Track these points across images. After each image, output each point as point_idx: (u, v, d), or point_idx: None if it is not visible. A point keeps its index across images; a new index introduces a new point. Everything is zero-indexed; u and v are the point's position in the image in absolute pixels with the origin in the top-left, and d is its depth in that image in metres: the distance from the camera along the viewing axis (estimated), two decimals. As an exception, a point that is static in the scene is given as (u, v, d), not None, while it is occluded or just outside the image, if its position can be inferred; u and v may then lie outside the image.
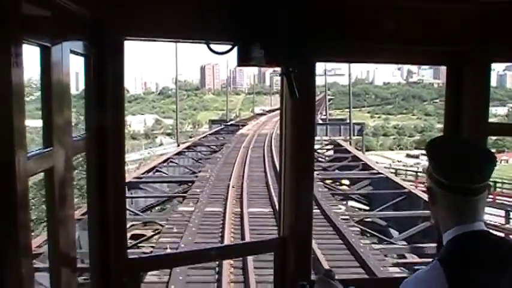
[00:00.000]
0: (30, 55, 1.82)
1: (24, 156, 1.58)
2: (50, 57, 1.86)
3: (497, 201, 25.57)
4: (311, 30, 2.48)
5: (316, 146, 40.01)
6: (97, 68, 2.34)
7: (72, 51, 2.08)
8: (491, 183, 1.92)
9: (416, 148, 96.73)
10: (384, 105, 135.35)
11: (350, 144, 44.52)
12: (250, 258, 10.69)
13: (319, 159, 35.35)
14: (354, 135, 51.22)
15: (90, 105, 2.37)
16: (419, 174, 40.00)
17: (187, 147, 36.87)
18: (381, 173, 24.68)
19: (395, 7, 2.59)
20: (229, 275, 10.54)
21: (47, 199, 1.97)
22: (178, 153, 33.32)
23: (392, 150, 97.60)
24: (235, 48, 2.48)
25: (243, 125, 62.19)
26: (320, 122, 54.76)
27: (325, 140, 46.56)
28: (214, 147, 38.71)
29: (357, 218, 17.44)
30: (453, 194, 1.85)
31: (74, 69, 2.15)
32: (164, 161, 29.28)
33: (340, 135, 49.05)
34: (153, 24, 2.45)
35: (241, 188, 20.36)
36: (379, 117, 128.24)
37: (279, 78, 2.78)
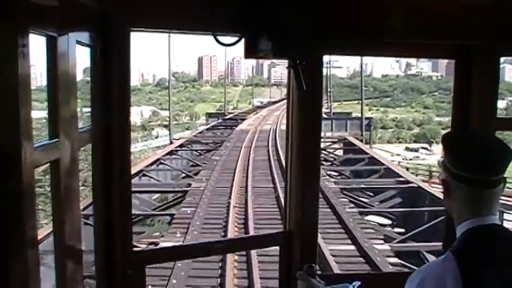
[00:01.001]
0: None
1: (31, 146, 1.57)
2: (57, 48, 1.84)
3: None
4: (318, 22, 2.47)
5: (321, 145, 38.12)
6: (103, 59, 2.32)
7: (78, 42, 2.06)
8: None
9: (415, 141, 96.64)
10: (382, 98, 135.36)
11: (363, 142, 39.76)
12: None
13: (328, 159, 30.82)
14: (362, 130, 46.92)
15: (96, 96, 2.35)
16: (433, 171, 33.50)
17: (181, 145, 32.62)
18: (411, 182, 19.80)
19: (404, 1, 2.57)
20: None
21: (52, 190, 1.95)
22: (170, 153, 29.15)
23: (391, 143, 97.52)
24: (242, 40, 2.47)
25: (243, 119, 56.69)
26: (324, 116, 47.39)
27: (329, 138, 40.88)
28: (211, 145, 34.66)
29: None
30: (470, 187, 1.85)
31: (80, 60, 2.13)
32: (153, 163, 25.04)
33: (346, 131, 45.07)
34: (160, 15, 2.43)
35: (246, 209, 15.50)
36: (377, 109, 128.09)
37: (277, 70, 2.76)
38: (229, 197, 16.77)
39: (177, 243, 10.65)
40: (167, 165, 26.06)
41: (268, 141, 32.75)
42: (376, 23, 2.58)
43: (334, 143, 39.87)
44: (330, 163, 29.06)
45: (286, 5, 2.42)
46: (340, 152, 35.89)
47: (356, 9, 2.57)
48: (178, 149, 30.99)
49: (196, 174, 22.90)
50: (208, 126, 52.31)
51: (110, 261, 2.45)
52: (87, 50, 2.28)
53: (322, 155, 28.40)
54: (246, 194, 17.41)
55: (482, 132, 2.58)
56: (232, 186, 18.61)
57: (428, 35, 2.63)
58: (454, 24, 2.59)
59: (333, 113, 57.25)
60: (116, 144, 2.42)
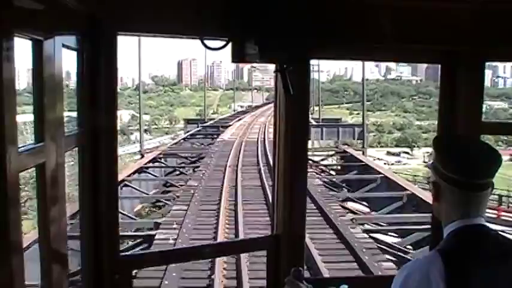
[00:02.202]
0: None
1: (15, 151, 1.55)
2: (42, 51, 1.83)
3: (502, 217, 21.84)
4: (306, 27, 2.48)
5: (315, 158, 32.50)
6: (90, 62, 2.31)
7: (64, 46, 2.05)
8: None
9: (396, 146, 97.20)
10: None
11: (363, 154, 34.58)
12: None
13: (324, 173, 27.59)
14: (354, 138, 43.70)
15: (82, 100, 2.34)
16: (503, 197, 27.38)
17: (152, 160, 27.20)
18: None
19: (393, 6, 2.60)
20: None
21: (38, 194, 1.94)
22: (138, 171, 23.61)
23: (373, 147, 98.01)
24: (230, 45, 2.47)
25: (225, 126, 48.86)
26: (313, 123, 44.83)
27: (323, 149, 37.22)
28: (189, 158, 30.25)
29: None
30: (460, 189, 1.90)
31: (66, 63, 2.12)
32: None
33: (338, 139, 41.20)
34: (148, 19, 2.43)
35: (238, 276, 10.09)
36: (358, 113, 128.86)
37: (257, 74, 2.77)
38: (213, 257, 8.73)
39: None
40: (134, 188, 20.90)
41: (257, 158, 25.67)
42: (364, 28, 2.60)
43: (331, 155, 34.84)
44: (329, 183, 23.32)
45: (273, 9, 2.43)
46: (333, 162, 32.91)
47: (344, 13, 2.58)
48: (150, 165, 25.95)
49: (165, 213, 17.11)
50: (186, 134, 45.99)
51: (97, 265, 2.44)
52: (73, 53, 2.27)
53: (315, 171, 26.72)
54: (236, 257, 10.37)
55: (473, 137, 2.62)
56: (216, 231, 12.95)
57: (415, 40, 2.65)
58: (441, 30, 2.62)
59: (322, 120, 52.91)
60: (103, 148, 2.41)
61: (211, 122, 57.55)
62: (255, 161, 25.13)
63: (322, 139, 41.74)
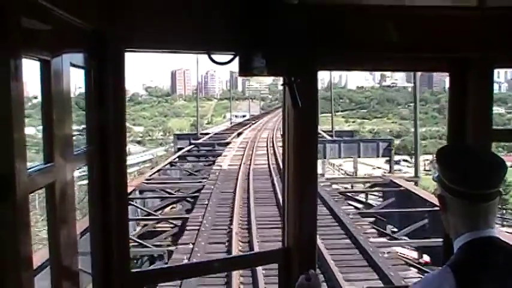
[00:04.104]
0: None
1: (25, 171, 1.54)
2: (50, 71, 1.83)
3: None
4: (313, 39, 2.48)
5: (332, 185, 23.53)
6: (98, 80, 2.31)
7: (72, 64, 2.04)
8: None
9: (396, 153, 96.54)
10: (358, 110, 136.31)
11: (416, 184, 25.15)
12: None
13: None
14: (378, 155, 36.54)
15: (91, 118, 2.33)
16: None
17: None
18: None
19: (398, 15, 2.60)
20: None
21: (48, 214, 1.92)
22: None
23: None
24: (237, 58, 2.47)
25: (222, 143, 40.31)
26: (327, 137, 38.07)
27: (351, 178, 30.86)
28: (173, 197, 21.85)
29: None
30: (466, 201, 1.88)
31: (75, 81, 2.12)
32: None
33: (359, 157, 34.50)
34: (155, 35, 2.43)
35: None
36: (353, 121, 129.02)
37: (252, 83, 2.78)
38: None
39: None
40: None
41: (277, 200, 17.18)
42: (371, 37, 2.60)
43: (371, 186, 26.25)
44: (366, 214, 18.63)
45: (280, 23, 2.43)
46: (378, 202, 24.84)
47: (351, 24, 2.59)
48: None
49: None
50: (175, 156, 35.51)
51: (108, 282, 2.42)
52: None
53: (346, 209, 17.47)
54: None
55: (476, 146, 2.61)
56: None
57: (422, 49, 2.65)
58: (448, 38, 2.63)
59: (335, 132, 44.69)
60: (112, 166, 2.40)
61: (205, 137, 47.39)
62: (274, 212, 15.93)
63: (340, 157, 35.53)
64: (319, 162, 31.60)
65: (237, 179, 21.95)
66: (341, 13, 2.58)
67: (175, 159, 33.79)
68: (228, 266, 3.55)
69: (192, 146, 40.30)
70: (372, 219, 18.65)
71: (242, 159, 29.15)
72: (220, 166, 27.06)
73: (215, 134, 53.85)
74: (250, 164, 27.19)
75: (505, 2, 2.62)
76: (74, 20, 1.97)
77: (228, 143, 40.62)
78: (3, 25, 1.40)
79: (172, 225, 18.52)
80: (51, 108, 1.84)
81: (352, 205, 20.88)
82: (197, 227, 14.47)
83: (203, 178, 24.83)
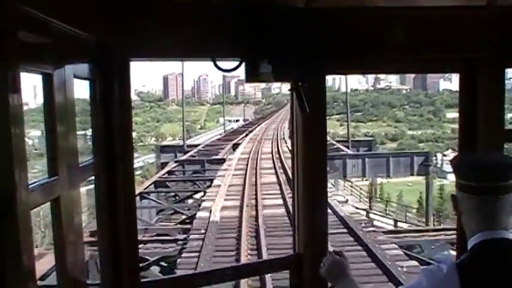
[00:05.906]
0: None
1: (25, 187, 1.47)
2: (53, 84, 1.79)
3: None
4: (319, 43, 2.46)
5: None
6: (103, 91, 2.28)
7: (76, 76, 2.01)
8: None
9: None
10: (353, 113, 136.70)
11: None
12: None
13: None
14: (413, 173, 28.73)
15: (97, 129, 2.30)
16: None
17: None
18: None
19: (406, 16, 2.57)
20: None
21: (53, 229, 1.87)
22: None
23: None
24: (243, 65, 2.45)
25: (214, 161, 32.22)
26: (346, 150, 29.86)
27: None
28: None
29: None
30: (474, 195, 1.84)
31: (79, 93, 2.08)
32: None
33: (389, 176, 27.24)
34: (159, 44, 2.41)
35: None
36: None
37: (245, 87, 2.75)
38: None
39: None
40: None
41: None
42: (378, 40, 2.58)
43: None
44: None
45: (286, 28, 2.40)
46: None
47: (357, 27, 2.56)
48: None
49: None
50: (148, 183, 26.19)
51: None
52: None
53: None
54: None
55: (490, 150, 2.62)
56: None
57: (431, 50, 2.63)
58: (458, 38, 2.60)
59: (351, 141, 35.44)
60: (120, 176, 2.37)
61: (193, 151, 38.35)
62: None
63: (364, 176, 27.79)
64: (340, 182, 28.06)
65: (237, 253, 12.95)
66: (348, 16, 2.55)
67: (148, 186, 24.91)
68: (240, 273, 3.53)
69: (176, 163, 32.22)
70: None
71: (243, 196, 19.19)
72: (210, 212, 16.89)
73: (206, 145, 44.22)
74: (256, 209, 17.31)
75: None
76: (78, 33, 1.94)
77: (221, 160, 31.86)
78: (1, 40, 1.36)
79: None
80: (55, 120, 1.80)
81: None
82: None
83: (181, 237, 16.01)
